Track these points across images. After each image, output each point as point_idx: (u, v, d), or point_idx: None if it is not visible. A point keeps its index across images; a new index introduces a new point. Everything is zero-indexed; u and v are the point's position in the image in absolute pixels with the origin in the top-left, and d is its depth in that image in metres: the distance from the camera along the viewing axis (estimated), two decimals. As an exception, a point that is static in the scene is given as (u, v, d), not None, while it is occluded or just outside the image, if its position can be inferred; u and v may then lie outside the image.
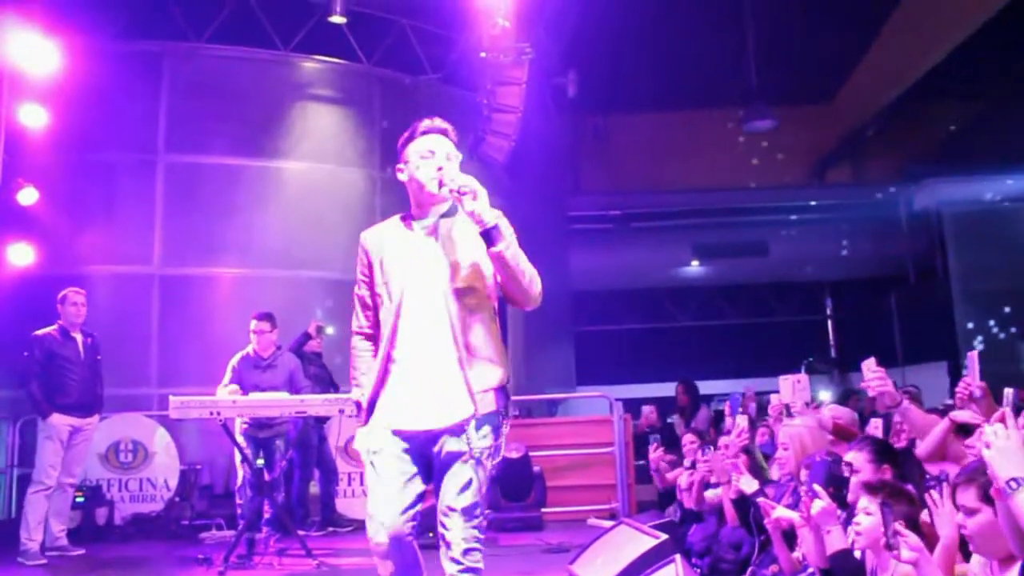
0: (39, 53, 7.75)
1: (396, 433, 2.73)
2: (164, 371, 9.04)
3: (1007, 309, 12.40)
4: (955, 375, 12.27)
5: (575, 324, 14.86)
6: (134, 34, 9.59)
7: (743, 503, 4.28)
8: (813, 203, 15.29)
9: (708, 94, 14.94)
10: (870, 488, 2.94)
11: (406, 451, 2.73)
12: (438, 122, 2.94)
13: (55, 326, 6.46)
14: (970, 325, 12.49)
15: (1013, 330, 12.04)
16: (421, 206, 2.91)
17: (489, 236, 2.68)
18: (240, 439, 6.31)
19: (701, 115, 15.65)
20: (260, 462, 6.29)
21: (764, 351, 15.24)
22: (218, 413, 5.71)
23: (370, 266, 2.91)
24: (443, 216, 2.89)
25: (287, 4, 10.08)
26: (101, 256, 9.13)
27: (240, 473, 6.47)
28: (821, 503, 3.11)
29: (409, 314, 2.78)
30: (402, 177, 2.94)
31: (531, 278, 2.78)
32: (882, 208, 14.55)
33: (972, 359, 3.86)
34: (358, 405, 2.92)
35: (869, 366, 3.71)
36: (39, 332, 6.43)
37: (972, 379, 3.74)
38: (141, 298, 9.21)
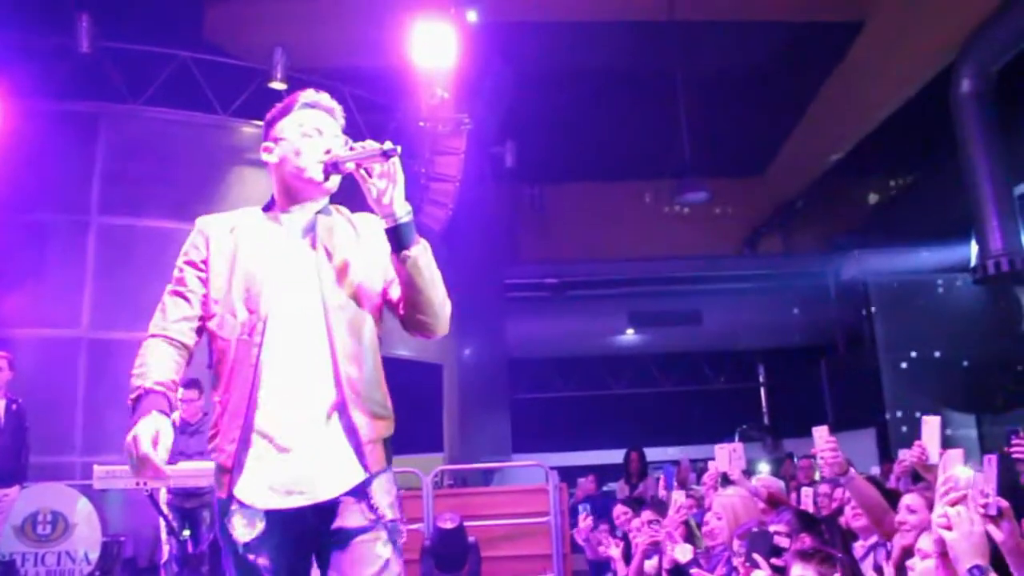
0: (-30, 112, 7.66)
1: (272, 513, 2.05)
2: (89, 438, 8.74)
3: (932, 376, 12.74)
4: (883, 441, 12.52)
5: (511, 392, 14.83)
6: (70, 94, 9.47)
7: (678, 573, 4.28)
8: (745, 273, 15.60)
9: (643, 166, 15.33)
10: (803, 556, 2.97)
11: (292, 537, 2.07)
12: (325, 98, 2.28)
13: (-21, 390, 6.25)
14: (895, 392, 12.78)
15: (939, 397, 12.33)
16: (293, 197, 2.26)
17: (399, 235, 2.06)
18: (165, 510, 6.11)
19: (636, 186, 16.03)
20: (186, 533, 6.10)
21: (698, 419, 15.40)
22: (145, 484, 5.54)
23: (207, 261, 2.19)
24: (319, 213, 2.26)
25: (227, 69, 10.09)
26: (27, 318, 8.85)
27: (166, 547, 6.26)
28: (761, 573, 3.12)
29: (277, 342, 2.07)
30: (269, 158, 2.28)
31: (444, 296, 2.18)
32: (811, 278, 14.93)
33: (930, 424, 3.84)
34: (136, 406, 2.03)
35: (822, 435, 3.69)
36: None
37: (928, 444, 3.77)
38: (67, 362, 8.94)
